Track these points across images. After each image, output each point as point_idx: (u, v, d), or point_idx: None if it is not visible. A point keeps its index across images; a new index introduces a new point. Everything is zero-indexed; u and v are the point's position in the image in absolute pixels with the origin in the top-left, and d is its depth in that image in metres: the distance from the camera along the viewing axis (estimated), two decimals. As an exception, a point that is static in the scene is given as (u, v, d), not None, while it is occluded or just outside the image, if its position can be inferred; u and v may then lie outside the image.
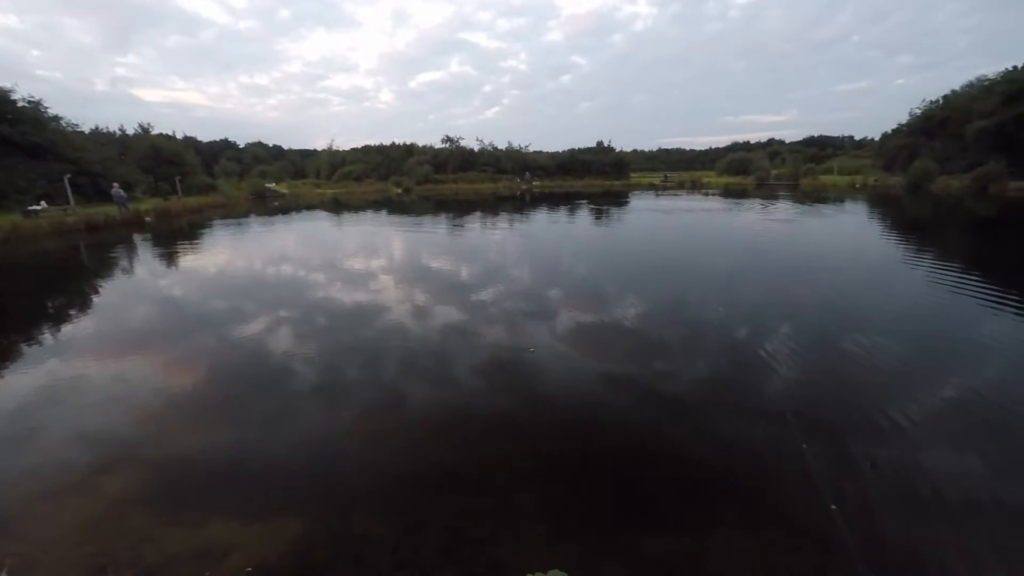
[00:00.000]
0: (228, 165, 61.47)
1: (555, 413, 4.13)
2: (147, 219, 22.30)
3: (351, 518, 2.90)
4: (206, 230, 18.81)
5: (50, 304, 8.35)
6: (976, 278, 8.58)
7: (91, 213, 20.43)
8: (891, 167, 45.41)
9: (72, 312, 7.71)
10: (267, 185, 45.66)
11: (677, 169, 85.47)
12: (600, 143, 61.08)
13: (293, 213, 26.37)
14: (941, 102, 45.44)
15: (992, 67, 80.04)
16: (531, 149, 61.38)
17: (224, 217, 23.74)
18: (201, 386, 4.79)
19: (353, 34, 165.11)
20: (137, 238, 16.81)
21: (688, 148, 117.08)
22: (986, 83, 40.77)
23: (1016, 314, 6.59)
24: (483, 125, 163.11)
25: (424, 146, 61.87)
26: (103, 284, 9.77)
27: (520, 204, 29.50)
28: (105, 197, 24.08)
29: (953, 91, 44.68)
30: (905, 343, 5.54)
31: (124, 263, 12.11)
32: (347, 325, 6.53)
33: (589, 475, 3.29)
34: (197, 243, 15.46)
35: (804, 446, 3.50)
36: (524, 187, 48.35)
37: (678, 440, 3.69)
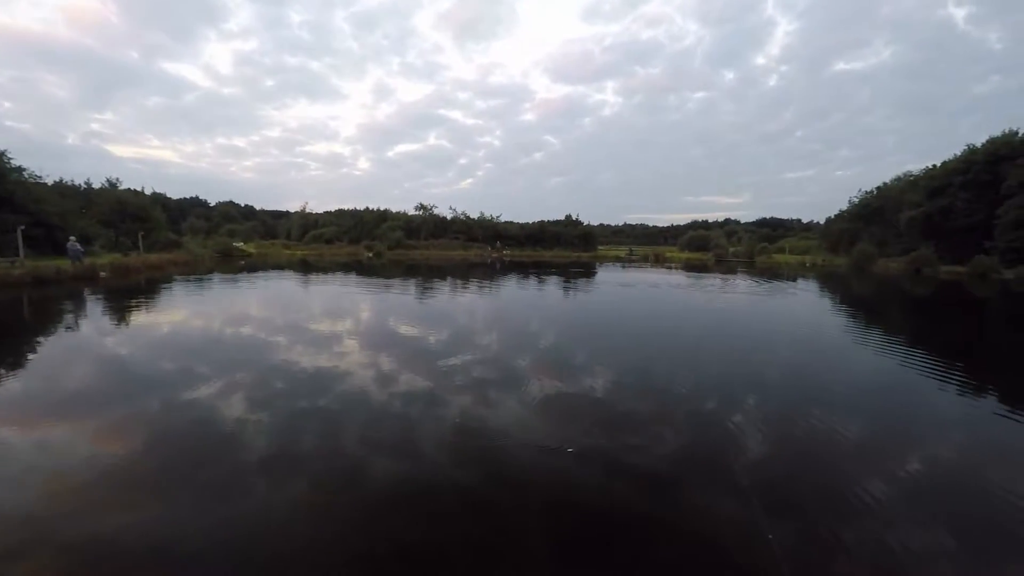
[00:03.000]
0: (196, 223, 60.74)
1: (520, 488, 3.94)
2: (102, 274, 21.36)
3: (291, 609, 2.60)
4: (164, 287, 18.12)
5: (-24, 361, 7.68)
6: (921, 353, 9.06)
7: (40, 266, 19.45)
8: (835, 248, 48.98)
9: None
10: (234, 244, 45.04)
11: (641, 243, 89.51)
12: (569, 216, 63.88)
13: (259, 272, 25.86)
14: (876, 192, 50.27)
15: (916, 164, 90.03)
16: (503, 219, 63.42)
17: (186, 275, 23.01)
18: (137, 456, 4.38)
19: (336, 105, 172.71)
20: (88, 293, 16.00)
21: (652, 224, 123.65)
22: (912, 178, 45.58)
23: (959, 389, 6.93)
24: (457, 195, 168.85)
25: (398, 212, 63.17)
26: (40, 341, 9.12)
27: (491, 272, 29.93)
28: (61, 250, 23.11)
29: (885, 183, 49.69)
30: (862, 417, 5.67)
31: (68, 319, 11.42)
32: (304, 391, 6.22)
33: (556, 558, 3.10)
34: (152, 300, 14.81)
35: (769, 536, 3.43)
36: (495, 255, 49.36)
37: (651, 520, 3.55)
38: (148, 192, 49.65)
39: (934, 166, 41.82)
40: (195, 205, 78.40)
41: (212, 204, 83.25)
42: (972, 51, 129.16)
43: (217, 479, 3.95)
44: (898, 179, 48.10)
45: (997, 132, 36.41)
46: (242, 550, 3.09)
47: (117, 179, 41.62)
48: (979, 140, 37.45)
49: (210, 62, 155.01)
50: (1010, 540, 3.38)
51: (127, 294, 16.16)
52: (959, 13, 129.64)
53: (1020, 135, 35.21)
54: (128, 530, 3.27)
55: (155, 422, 5.15)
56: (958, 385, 7.14)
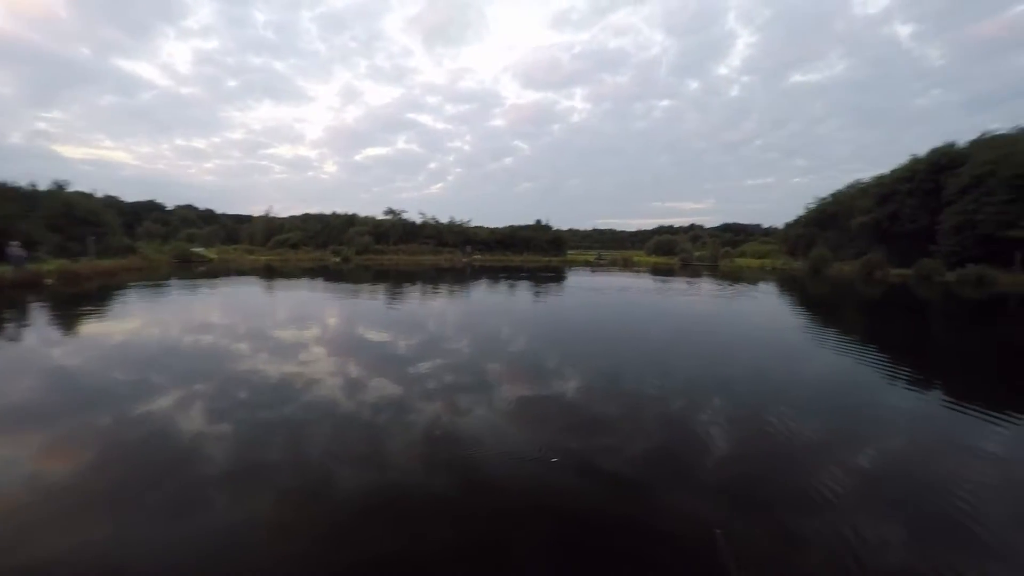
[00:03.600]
0: (152, 227, 58.01)
1: (494, 495, 3.91)
2: (47, 281, 20.16)
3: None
4: (117, 294, 17.22)
5: (-97, 376, 7.10)
6: (872, 351, 9.53)
7: (-23, 273, 18.21)
8: (794, 253, 51.02)
9: (-69, 386, 6.58)
10: (194, 249, 43.32)
11: (610, 248, 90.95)
12: (539, 221, 64.37)
13: (220, 278, 24.93)
14: (830, 199, 52.64)
15: (867, 172, 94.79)
16: (472, 224, 63.38)
17: (141, 281, 21.95)
18: (84, 473, 4.13)
19: (302, 108, 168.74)
20: (31, 302, 15.05)
21: (620, 229, 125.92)
22: (862, 186, 48.01)
23: (906, 385, 7.35)
24: (427, 199, 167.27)
25: (366, 216, 62.20)
26: (-22, 353, 8.51)
27: (461, 276, 29.78)
28: (2, 257, 21.67)
29: (839, 190, 52.13)
30: (821, 414, 5.91)
31: (7, 329, 10.70)
32: (268, 401, 6.01)
33: (533, 565, 3.09)
34: (104, 308, 14.04)
35: (717, 530, 3.51)
36: (465, 260, 49.19)
37: (624, 522, 3.59)
38: (100, 195, 47.28)
39: (883, 175, 44.16)
40: (151, 209, 74.81)
41: (170, 208, 79.72)
42: (916, 66, 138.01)
43: (174, 496, 3.76)
44: (850, 186, 50.56)
45: (938, 143, 38.80)
46: (203, 571, 2.95)
47: (66, 181, 39.30)
48: (923, 150, 39.78)
49: (168, 60, 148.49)
50: (957, 528, 3.57)
51: (76, 302, 15.29)
52: (904, 30, 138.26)
53: (958, 146, 37.61)
54: (75, 553, 3.08)
55: (105, 437, 4.87)
56: (906, 381, 7.55)
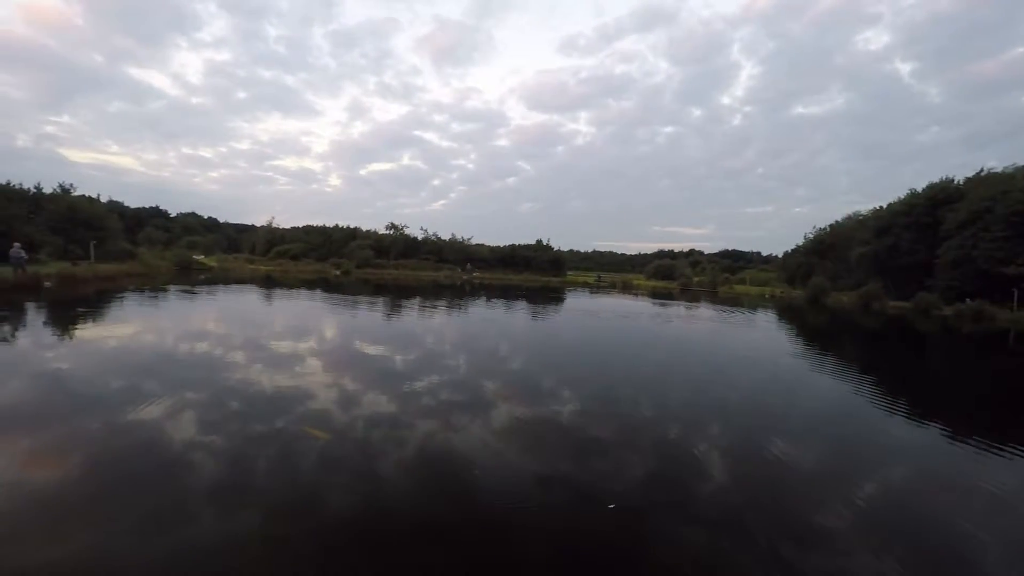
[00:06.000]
0: (154, 233, 58.14)
1: (486, 516, 3.85)
2: (47, 284, 20.14)
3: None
4: (116, 299, 17.18)
5: None
6: (870, 382, 9.50)
7: (-23, 273, 18.20)
8: (792, 281, 51.24)
9: (-79, 385, 6.50)
10: (195, 257, 43.38)
11: (609, 270, 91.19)
12: (540, 241, 64.60)
13: (220, 286, 24.91)
14: (829, 229, 53.12)
15: (866, 204, 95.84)
16: (474, 242, 63.60)
17: (140, 287, 21.91)
18: (72, 480, 4.05)
19: (309, 121, 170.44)
20: (30, 304, 15.00)
21: (620, 252, 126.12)
22: (861, 217, 48.50)
23: (906, 418, 7.31)
24: (429, 215, 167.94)
25: (368, 230, 62.46)
26: (-29, 354, 8.44)
27: (461, 293, 29.80)
28: (3, 257, 21.69)
29: (837, 221, 52.69)
30: (819, 445, 5.86)
31: (3, 330, 10.64)
32: (261, 413, 5.93)
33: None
34: (101, 312, 13.99)
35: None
36: (465, 277, 49.26)
37: (618, 549, 3.52)
38: (104, 200, 47.64)
39: (881, 207, 44.67)
40: (155, 215, 75.15)
41: (173, 215, 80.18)
42: (915, 103, 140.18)
43: (160, 508, 3.69)
44: (849, 218, 51.13)
45: (936, 178, 39.38)
46: (185, 584, 2.88)
47: (71, 184, 39.62)
48: (920, 185, 40.35)
49: (180, 71, 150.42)
50: (956, 564, 3.51)
51: (73, 305, 15.23)
52: (904, 68, 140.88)
53: (955, 183, 38.14)
54: (56, 565, 3.00)
55: (93, 444, 4.79)
56: (905, 414, 7.51)
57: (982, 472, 5.24)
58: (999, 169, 36.83)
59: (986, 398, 9.44)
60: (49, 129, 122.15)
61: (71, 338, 10.07)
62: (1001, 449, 5.97)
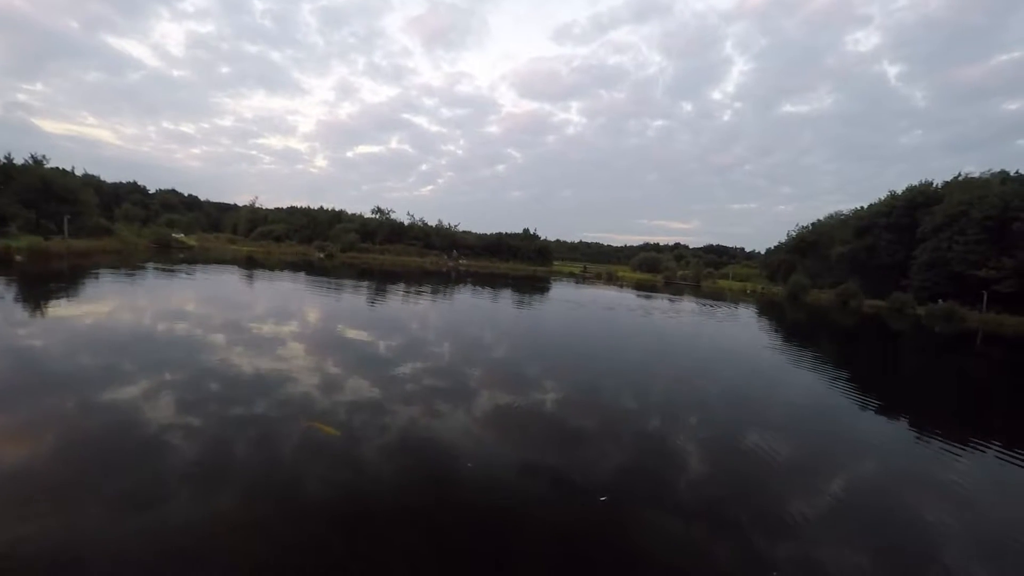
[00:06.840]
0: (131, 210, 56.45)
1: (466, 505, 3.89)
2: (17, 258, 19.53)
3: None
4: (90, 276, 16.74)
5: None
6: (845, 377, 9.78)
7: (-57, 244, 17.55)
8: (774, 278, 52.21)
9: None
10: (174, 235, 42.40)
11: (596, 261, 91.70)
12: (527, 230, 64.53)
13: (199, 266, 24.41)
14: (811, 228, 54.05)
15: (849, 204, 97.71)
16: (460, 229, 63.25)
17: (116, 264, 21.36)
18: (43, 461, 3.98)
19: (296, 100, 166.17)
20: (0, 278, 14.54)
21: (606, 243, 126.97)
22: (842, 217, 49.42)
23: (876, 412, 7.58)
24: (416, 201, 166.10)
25: (354, 214, 61.67)
26: (-63, 328, 8.17)
27: (447, 280, 29.70)
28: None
29: (820, 220, 53.62)
30: (795, 437, 6.03)
31: (-27, 305, 10.30)
32: (239, 395, 5.88)
33: (500, 571, 3.08)
34: (75, 289, 13.62)
35: (774, 573, 3.55)
36: (451, 264, 49.07)
37: (598, 538, 3.60)
38: (79, 173, 46.09)
39: (862, 207, 45.58)
40: (133, 191, 72.83)
41: (152, 191, 77.86)
42: (901, 106, 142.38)
43: (134, 489, 3.64)
44: (830, 217, 52.11)
45: (917, 181, 40.29)
46: (161, 569, 2.87)
47: (43, 156, 38.16)
48: (902, 187, 41.27)
49: (160, 41, 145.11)
50: (922, 554, 3.67)
51: (45, 281, 14.82)
52: (892, 70, 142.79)
53: (934, 185, 39.06)
54: (25, 543, 2.96)
55: (65, 424, 4.70)
56: (875, 409, 7.77)
57: (946, 466, 5.47)
58: (976, 174, 37.84)
59: (951, 395, 9.81)
60: (21, 97, 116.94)
61: (44, 315, 9.81)
62: (963, 445, 6.22)
